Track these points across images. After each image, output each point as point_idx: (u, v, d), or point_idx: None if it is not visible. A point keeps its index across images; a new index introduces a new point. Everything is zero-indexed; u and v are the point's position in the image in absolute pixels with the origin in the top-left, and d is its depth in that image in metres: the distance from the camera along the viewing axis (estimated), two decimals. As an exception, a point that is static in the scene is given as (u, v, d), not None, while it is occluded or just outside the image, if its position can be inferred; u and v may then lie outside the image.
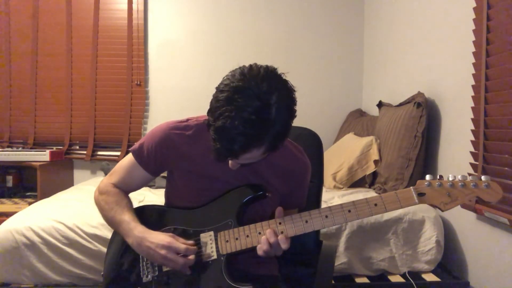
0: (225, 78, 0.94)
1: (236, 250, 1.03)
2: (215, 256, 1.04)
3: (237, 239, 1.03)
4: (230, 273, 1.03)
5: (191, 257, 1.03)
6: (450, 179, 0.97)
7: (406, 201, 0.98)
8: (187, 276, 1.04)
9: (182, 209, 1.14)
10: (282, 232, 1.01)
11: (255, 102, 0.87)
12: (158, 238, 1.03)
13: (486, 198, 0.94)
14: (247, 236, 1.03)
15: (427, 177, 0.98)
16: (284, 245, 0.98)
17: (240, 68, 0.94)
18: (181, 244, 1.02)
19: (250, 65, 0.94)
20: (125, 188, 1.19)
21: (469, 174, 1.86)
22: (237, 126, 0.87)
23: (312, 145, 1.38)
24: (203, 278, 1.04)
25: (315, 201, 1.39)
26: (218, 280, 1.02)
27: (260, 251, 1.00)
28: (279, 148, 0.96)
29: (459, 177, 0.97)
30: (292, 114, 0.94)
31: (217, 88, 0.94)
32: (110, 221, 1.14)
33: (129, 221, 1.09)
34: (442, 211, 0.98)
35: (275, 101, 0.89)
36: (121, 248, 1.15)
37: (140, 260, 1.11)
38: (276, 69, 0.95)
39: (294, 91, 0.95)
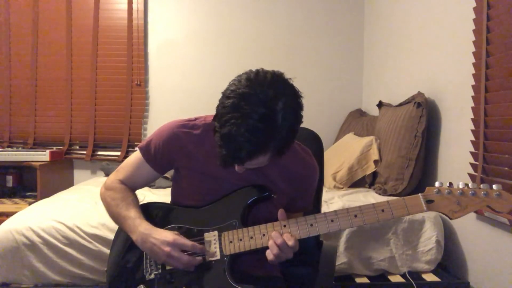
0: (231, 83, 0.93)
1: (240, 251, 1.03)
2: (218, 257, 1.04)
3: (240, 240, 1.03)
4: (233, 273, 1.03)
5: (198, 258, 1.03)
6: (461, 186, 0.95)
7: (414, 208, 0.97)
8: (190, 275, 1.04)
9: (187, 208, 1.14)
10: (289, 233, 1.00)
11: (261, 109, 0.87)
12: (163, 235, 1.03)
13: (497, 208, 0.92)
14: (251, 237, 1.03)
15: (437, 183, 0.97)
16: (290, 242, 0.98)
17: (246, 73, 0.94)
18: (186, 241, 1.02)
19: (257, 70, 0.93)
20: (131, 184, 1.20)
21: (469, 174, 1.86)
22: (243, 133, 0.87)
23: (313, 146, 1.38)
24: (205, 277, 1.04)
25: (315, 201, 1.38)
26: (220, 281, 1.02)
27: (270, 256, 0.99)
28: (285, 153, 0.96)
29: (470, 185, 0.95)
30: (298, 119, 0.94)
31: (223, 93, 0.93)
32: (115, 217, 1.14)
33: (134, 217, 1.09)
34: (451, 219, 0.96)
35: (281, 107, 0.88)
36: (125, 245, 1.15)
37: (144, 258, 1.11)
38: (282, 74, 0.95)
39: (301, 96, 0.94)
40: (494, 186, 0.93)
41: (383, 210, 0.98)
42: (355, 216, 0.99)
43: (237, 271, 1.06)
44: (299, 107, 0.93)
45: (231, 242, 1.04)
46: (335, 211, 1.01)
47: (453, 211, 0.95)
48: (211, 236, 1.06)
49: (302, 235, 1.00)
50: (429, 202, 0.96)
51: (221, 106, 0.92)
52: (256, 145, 0.89)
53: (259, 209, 1.09)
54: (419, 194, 0.97)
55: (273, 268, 1.20)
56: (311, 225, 1.01)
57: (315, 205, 1.39)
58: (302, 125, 1.40)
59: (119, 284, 1.15)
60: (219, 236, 1.05)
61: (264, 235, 1.02)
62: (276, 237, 0.99)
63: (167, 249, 1.01)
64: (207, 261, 1.05)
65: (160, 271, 1.08)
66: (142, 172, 1.18)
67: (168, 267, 1.08)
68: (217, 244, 1.05)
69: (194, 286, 1.04)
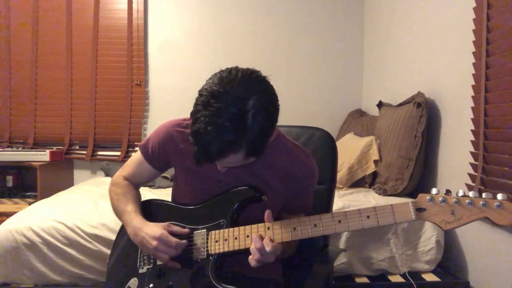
0: (207, 81, 0.94)
1: (224, 251, 1.02)
2: (204, 256, 1.05)
3: (226, 240, 1.03)
4: (221, 273, 1.03)
5: (177, 241, 1.04)
6: (460, 195, 0.86)
7: (402, 216, 0.90)
8: (178, 272, 1.06)
9: (182, 205, 1.17)
10: (269, 237, 0.97)
11: (230, 108, 0.86)
12: (152, 230, 1.06)
13: (497, 221, 0.82)
14: (236, 238, 1.02)
15: (433, 190, 0.89)
16: (268, 248, 0.94)
17: (220, 71, 0.93)
18: (171, 238, 1.04)
19: (231, 68, 0.93)
20: (134, 181, 1.25)
21: (469, 174, 1.86)
22: (210, 131, 0.86)
23: (326, 146, 1.36)
24: (192, 275, 1.06)
25: (326, 202, 1.35)
26: (204, 279, 1.03)
27: (252, 262, 0.97)
28: (261, 152, 0.95)
29: (471, 193, 0.86)
30: (271, 118, 0.92)
31: (199, 91, 0.93)
32: (116, 211, 1.20)
33: (130, 211, 1.14)
34: (443, 230, 0.89)
35: (251, 106, 0.87)
36: (124, 239, 1.19)
37: (139, 252, 1.15)
38: (256, 72, 0.93)
39: (275, 95, 0.93)
40: (499, 196, 0.83)
41: (368, 217, 0.93)
42: (339, 221, 0.95)
43: (228, 271, 1.07)
44: (272, 106, 0.91)
45: (217, 241, 1.04)
46: (320, 215, 0.98)
47: (446, 221, 0.87)
48: (199, 235, 1.07)
49: (285, 239, 0.98)
50: (419, 210, 0.89)
51: (195, 104, 0.93)
52: (224, 144, 0.87)
53: (253, 209, 1.08)
54: (410, 201, 0.90)
55: (273, 271, 1.19)
56: (294, 228, 0.97)
57: (325, 207, 1.35)
58: (312, 125, 1.41)
59: (115, 276, 1.20)
60: (207, 235, 1.06)
61: (248, 236, 1.01)
62: (255, 241, 0.96)
63: (154, 243, 1.04)
64: (194, 260, 1.06)
65: (151, 265, 1.12)
66: (143, 170, 1.23)
67: (159, 262, 1.10)
68: (204, 243, 1.06)
69: (180, 283, 1.06)
